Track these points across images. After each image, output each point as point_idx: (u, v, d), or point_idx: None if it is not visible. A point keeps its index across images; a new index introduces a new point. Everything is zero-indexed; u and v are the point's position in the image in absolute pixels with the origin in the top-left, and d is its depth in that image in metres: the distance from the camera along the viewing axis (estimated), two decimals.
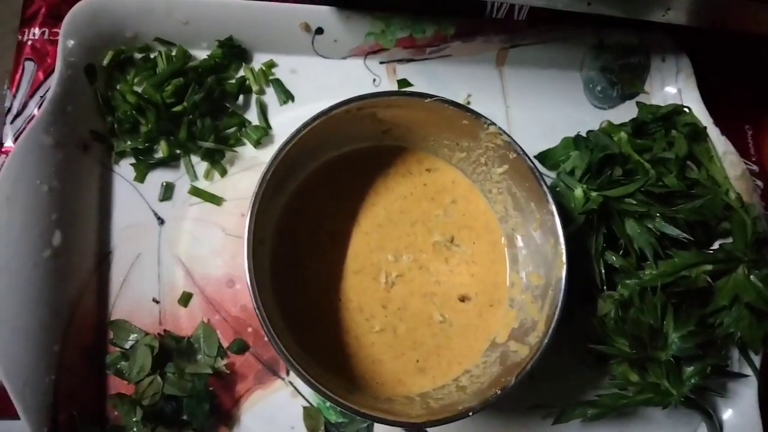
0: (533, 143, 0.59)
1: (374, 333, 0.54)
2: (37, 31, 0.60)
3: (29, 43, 0.60)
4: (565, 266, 0.50)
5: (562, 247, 0.50)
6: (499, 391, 0.48)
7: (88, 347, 0.53)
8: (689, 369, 0.56)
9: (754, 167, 0.69)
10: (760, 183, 0.69)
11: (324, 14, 0.60)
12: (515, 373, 0.48)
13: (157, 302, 0.55)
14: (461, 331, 0.56)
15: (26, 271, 0.50)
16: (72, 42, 0.55)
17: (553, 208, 0.51)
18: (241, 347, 0.55)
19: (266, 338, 0.46)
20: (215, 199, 0.58)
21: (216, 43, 0.59)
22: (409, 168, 0.59)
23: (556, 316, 0.49)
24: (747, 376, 0.59)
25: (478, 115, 0.53)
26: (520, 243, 0.57)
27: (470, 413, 0.47)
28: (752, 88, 0.71)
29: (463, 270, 0.57)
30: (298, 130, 0.50)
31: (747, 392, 0.59)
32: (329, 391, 0.44)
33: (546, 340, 0.49)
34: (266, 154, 0.49)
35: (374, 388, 0.53)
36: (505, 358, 0.52)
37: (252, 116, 0.60)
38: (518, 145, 0.53)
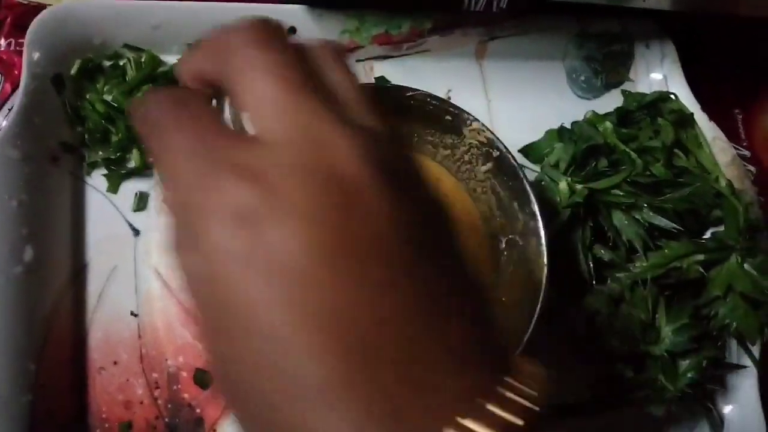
0: (517, 137, 0.58)
1: None
2: (2, 42, 0.59)
3: None
4: (546, 268, 0.48)
5: (544, 248, 0.49)
6: None
7: (66, 364, 0.52)
8: (685, 363, 0.54)
9: (746, 152, 0.67)
10: (752, 168, 0.67)
11: (296, 13, 0.58)
12: None
13: (135, 315, 0.54)
14: None
15: None
16: (37, 52, 0.53)
17: (536, 208, 0.49)
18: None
19: None
20: None
21: (186, 47, 0.58)
22: None
23: (534, 319, 0.47)
24: (745, 367, 0.57)
25: (461, 111, 0.51)
26: (502, 244, 0.55)
27: None
28: (741, 72, 0.69)
29: None
30: None
31: (746, 383, 0.57)
32: None
33: (525, 339, 0.47)
34: None
35: None
36: None
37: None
38: (501, 143, 0.51)
